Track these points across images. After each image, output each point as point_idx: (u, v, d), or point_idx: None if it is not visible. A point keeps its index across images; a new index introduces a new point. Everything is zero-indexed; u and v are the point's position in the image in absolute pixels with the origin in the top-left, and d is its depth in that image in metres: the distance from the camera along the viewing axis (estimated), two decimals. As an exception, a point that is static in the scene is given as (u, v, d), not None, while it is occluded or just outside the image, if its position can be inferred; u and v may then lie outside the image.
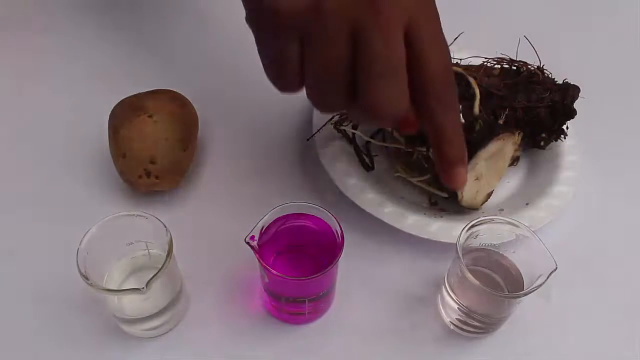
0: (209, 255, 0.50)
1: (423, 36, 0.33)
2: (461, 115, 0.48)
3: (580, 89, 0.54)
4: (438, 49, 0.34)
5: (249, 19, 0.34)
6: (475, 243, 0.45)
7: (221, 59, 0.66)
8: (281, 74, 0.34)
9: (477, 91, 0.50)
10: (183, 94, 0.54)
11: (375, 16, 0.31)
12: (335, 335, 0.47)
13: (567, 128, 0.55)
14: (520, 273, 0.45)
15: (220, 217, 0.53)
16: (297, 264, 0.45)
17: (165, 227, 0.42)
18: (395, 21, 0.32)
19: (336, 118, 0.55)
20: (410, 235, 0.50)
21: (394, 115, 0.33)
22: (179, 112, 0.52)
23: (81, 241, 0.41)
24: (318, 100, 0.34)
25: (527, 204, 0.52)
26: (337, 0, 0.31)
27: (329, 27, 0.31)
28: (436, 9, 0.34)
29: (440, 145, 0.35)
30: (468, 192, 0.50)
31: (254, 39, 0.34)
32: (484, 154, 0.48)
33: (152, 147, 0.50)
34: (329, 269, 0.41)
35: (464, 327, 0.46)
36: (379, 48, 0.31)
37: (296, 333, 0.47)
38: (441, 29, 0.34)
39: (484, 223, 0.43)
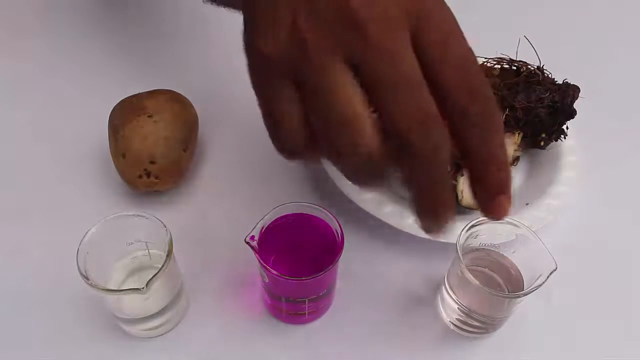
0: (209, 255, 0.50)
1: (433, 43, 0.26)
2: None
3: (580, 89, 0.54)
4: (457, 53, 0.27)
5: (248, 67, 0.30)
6: (475, 243, 0.45)
7: (221, 59, 0.66)
8: (278, 129, 0.30)
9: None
10: (183, 94, 0.54)
11: (364, 37, 0.26)
12: (335, 335, 0.47)
13: (567, 128, 0.55)
14: (520, 273, 0.45)
15: (220, 217, 0.53)
16: (297, 264, 0.45)
17: (165, 227, 0.42)
18: (393, 31, 0.26)
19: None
20: (410, 235, 0.50)
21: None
22: (179, 112, 0.52)
23: (81, 241, 0.41)
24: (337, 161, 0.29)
25: (527, 204, 0.52)
26: (318, 32, 0.26)
27: (316, 64, 0.26)
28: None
29: (488, 170, 0.29)
30: (468, 192, 0.50)
31: None
32: (484, 154, 0.48)
33: (152, 147, 0.50)
34: (329, 269, 0.41)
35: (464, 327, 0.46)
36: (384, 70, 0.26)
37: (296, 333, 0.47)
38: (455, 21, 0.28)
39: (484, 223, 0.43)
